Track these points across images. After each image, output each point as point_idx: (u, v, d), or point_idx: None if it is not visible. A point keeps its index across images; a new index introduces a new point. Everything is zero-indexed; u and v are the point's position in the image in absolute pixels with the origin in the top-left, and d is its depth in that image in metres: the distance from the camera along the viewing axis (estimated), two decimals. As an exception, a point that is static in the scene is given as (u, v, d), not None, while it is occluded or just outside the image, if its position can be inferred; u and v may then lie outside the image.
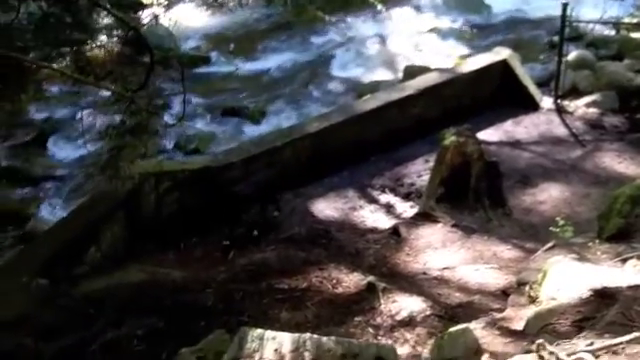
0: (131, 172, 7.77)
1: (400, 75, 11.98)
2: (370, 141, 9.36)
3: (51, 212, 9.31)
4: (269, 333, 4.52)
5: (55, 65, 6.91)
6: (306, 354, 4.33)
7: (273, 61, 13.11)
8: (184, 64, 10.06)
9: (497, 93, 10.28)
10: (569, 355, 3.73)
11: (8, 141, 10.77)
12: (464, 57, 11.87)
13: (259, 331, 4.55)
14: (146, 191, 7.97)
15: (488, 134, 9.50)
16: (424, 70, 11.14)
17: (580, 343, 3.95)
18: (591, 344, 3.84)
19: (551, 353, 3.80)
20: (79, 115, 9.35)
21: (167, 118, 10.93)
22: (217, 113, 11.59)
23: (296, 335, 4.53)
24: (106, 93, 10.98)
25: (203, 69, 12.85)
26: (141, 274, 7.09)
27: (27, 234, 8.74)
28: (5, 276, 6.82)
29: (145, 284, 6.82)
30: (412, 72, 11.34)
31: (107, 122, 10.67)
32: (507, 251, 7.07)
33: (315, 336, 4.51)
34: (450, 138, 7.76)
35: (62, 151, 10.74)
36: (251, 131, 11.04)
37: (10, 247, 8.34)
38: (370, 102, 9.83)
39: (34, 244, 8.08)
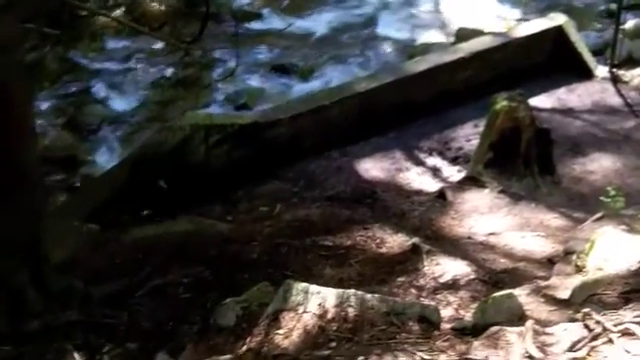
0: (181, 123, 7.86)
1: (452, 38, 11.85)
2: (419, 103, 9.29)
3: (102, 160, 9.45)
4: (314, 287, 4.58)
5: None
6: (350, 310, 4.37)
7: (324, 19, 13.00)
8: (237, 19, 10.07)
9: (551, 60, 10.11)
10: (615, 325, 3.72)
11: (62, 89, 10.92)
12: (518, 22, 11.70)
13: (304, 285, 4.60)
14: (195, 143, 8.03)
15: (540, 100, 9.36)
16: (477, 33, 10.97)
17: (627, 314, 3.92)
18: (638, 316, 3.82)
19: (597, 322, 3.80)
20: (132, 65, 9.49)
21: (218, 72, 11.06)
22: (267, 69, 11.57)
23: (340, 290, 4.58)
24: (159, 46, 11.12)
25: (255, 25, 12.77)
26: (188, 224, 7.19)
27: (79, 180, 8.91)
28: (57, 219, 6.96)
29: (192, 234, 6.93)
30: (464, 35, 11.18)
31: (159, 73, 10.79)
32: (554, 219, 7.01)
33: (359, 292, 4.56)
34: (501, 103, 7.67)
35: (114, 100, 10.85)
36: (299, 89, 11.03)
37: (62, 192, 8.49)
38: (420, 64, 9.75)
39: (85, 190, 8.24)
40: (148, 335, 5.34)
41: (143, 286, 5.87)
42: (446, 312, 5.13)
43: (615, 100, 9.48)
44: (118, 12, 9.68)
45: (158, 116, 10.26)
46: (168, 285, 5.89)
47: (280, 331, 4.25)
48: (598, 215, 6.41)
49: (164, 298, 5.76)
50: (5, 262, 5.52)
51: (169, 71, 11.29)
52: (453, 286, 5.70)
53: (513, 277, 5.90)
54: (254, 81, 11.29)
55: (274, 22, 12.91)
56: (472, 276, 5.83)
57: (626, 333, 3.62)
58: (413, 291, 5.69)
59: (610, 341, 3.62)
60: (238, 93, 10.71)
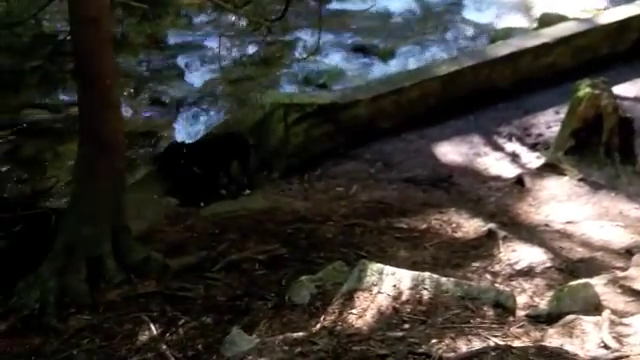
0: (262, 101, 7.92)
1: (535, 23, 11.66)
2: (499, 87, 9.20)
3: (184, 135, 9.59)
4: (388, 268, 4.61)
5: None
6: (424, 292, 4.40)
7: (407, 1, 12.95)
8: (320, -1, 10.11)
9: (636, 47, 9.89)
10: (696, 319, 3.66)
11: (145, 63, 11.11)
12: (603, 8, 11.44)
13: (379, 265, 4.64)
14: (275, 120, 8.10)
15: (624, 89, 9.14)
16: (561, 19, 10.79)
17: None
18: None
19: (677, 315, 3.74)
20: (215, 42, 9.60)
21: (299, 51, 11.11)
22: (347, 50, 11.60)
23: (415, 273, 4.60)
24: (242, 23, 11.23)
25: (337, 5, 12.81)
26: (265, 201, 7.28)
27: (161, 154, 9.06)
28: (138, 192, 7.12)
29: (268, 211, 7.00)
30: (548, 20, 11.00)
31: (242, 51, 10.89)
32: (634, 210, 6.86)
33: (435, 275, 4.57)
34: (584, 90, 7.53)
35: (196, 76, 11.01)
36: (379, 70, 11.02)
37: (144, 166, 8.64)
38: (502, 48, 9.64)
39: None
40: (223, 309, 5.40)
41: (219, 261, 5.95)
42: (521, 299, 5.10)
43: (701, 91, 9.21)
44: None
45: (239, 93, 10.37)
46: (244, 261, 5.95)
47: (354, 311, 4.29)
48: (680, 207, 6.28)
49: (240, 273, 5.82)
50: (87, 232, 5.66)
51: (251, 48, 11.42)
52: (528, 273, 5.65)
53: (590, 267, 5.82)
54: (334, 61, 11.32)
55: (356, 2, 12.88)
56: (548, 264, 5.76)
57: None
58: (488, 277, 5.65)
59: (690, 336, 3.56)
60: (318, 73, 10.77)
